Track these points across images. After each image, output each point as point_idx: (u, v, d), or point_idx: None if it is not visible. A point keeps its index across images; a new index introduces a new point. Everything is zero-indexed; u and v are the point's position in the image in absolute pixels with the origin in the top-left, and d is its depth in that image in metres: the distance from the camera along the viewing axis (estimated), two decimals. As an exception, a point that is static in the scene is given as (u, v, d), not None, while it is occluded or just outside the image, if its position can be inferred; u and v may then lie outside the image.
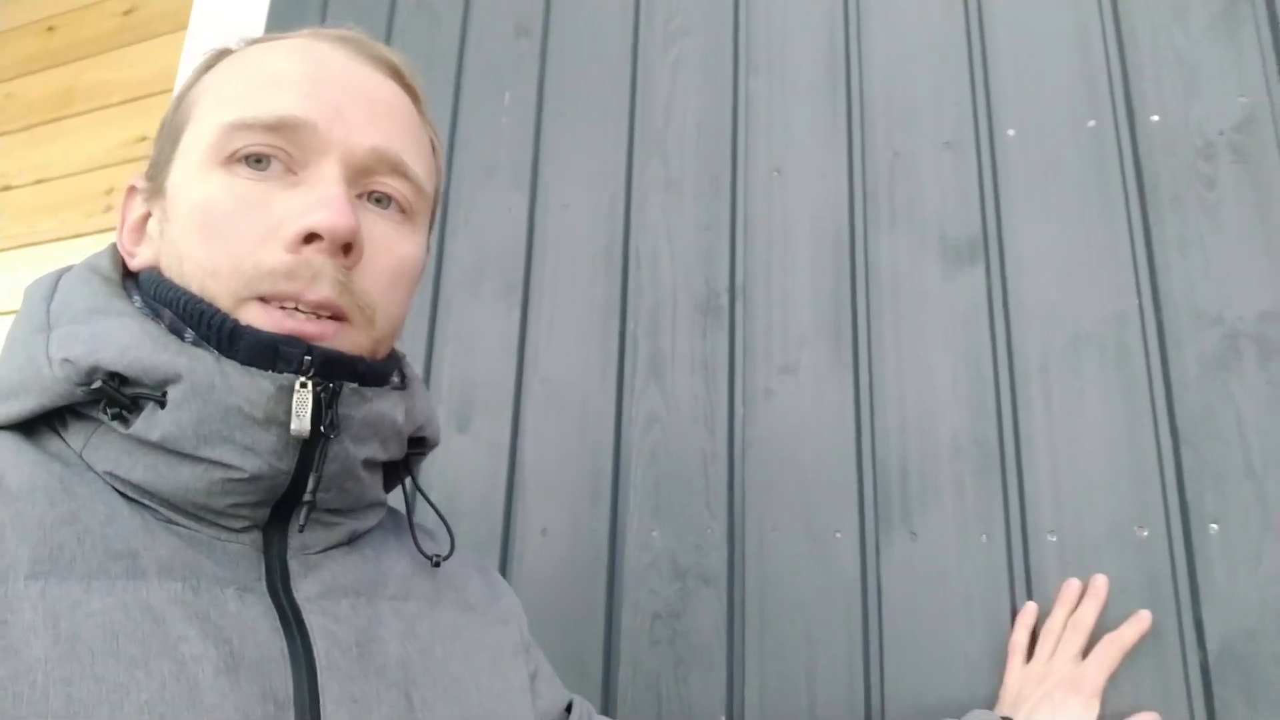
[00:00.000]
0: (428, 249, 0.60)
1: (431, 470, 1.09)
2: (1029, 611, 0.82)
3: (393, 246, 0.53)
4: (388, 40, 1.30)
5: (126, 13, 1.64)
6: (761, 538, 0.94)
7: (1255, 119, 0.88)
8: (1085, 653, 0.79)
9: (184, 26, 1.48)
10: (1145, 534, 0.82)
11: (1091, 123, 0.93)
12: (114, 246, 0.56)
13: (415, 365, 1.13)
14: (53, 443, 0.48)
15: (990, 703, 0.81)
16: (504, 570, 1.02)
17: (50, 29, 1.72)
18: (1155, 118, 0.91)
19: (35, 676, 0.37)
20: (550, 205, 1.14)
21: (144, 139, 1.52)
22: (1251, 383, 0.82)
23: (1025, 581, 0.84)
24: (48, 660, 0.38)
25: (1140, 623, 0.78)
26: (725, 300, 1.02)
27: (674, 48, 1.14)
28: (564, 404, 1.06)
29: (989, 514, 0.87)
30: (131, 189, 0.57)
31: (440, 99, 1.24)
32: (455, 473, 1.08)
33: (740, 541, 0.94)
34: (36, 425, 0.49)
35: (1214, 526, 0.80)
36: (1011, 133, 0.96)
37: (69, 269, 0.53)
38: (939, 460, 0.90)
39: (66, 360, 0.46)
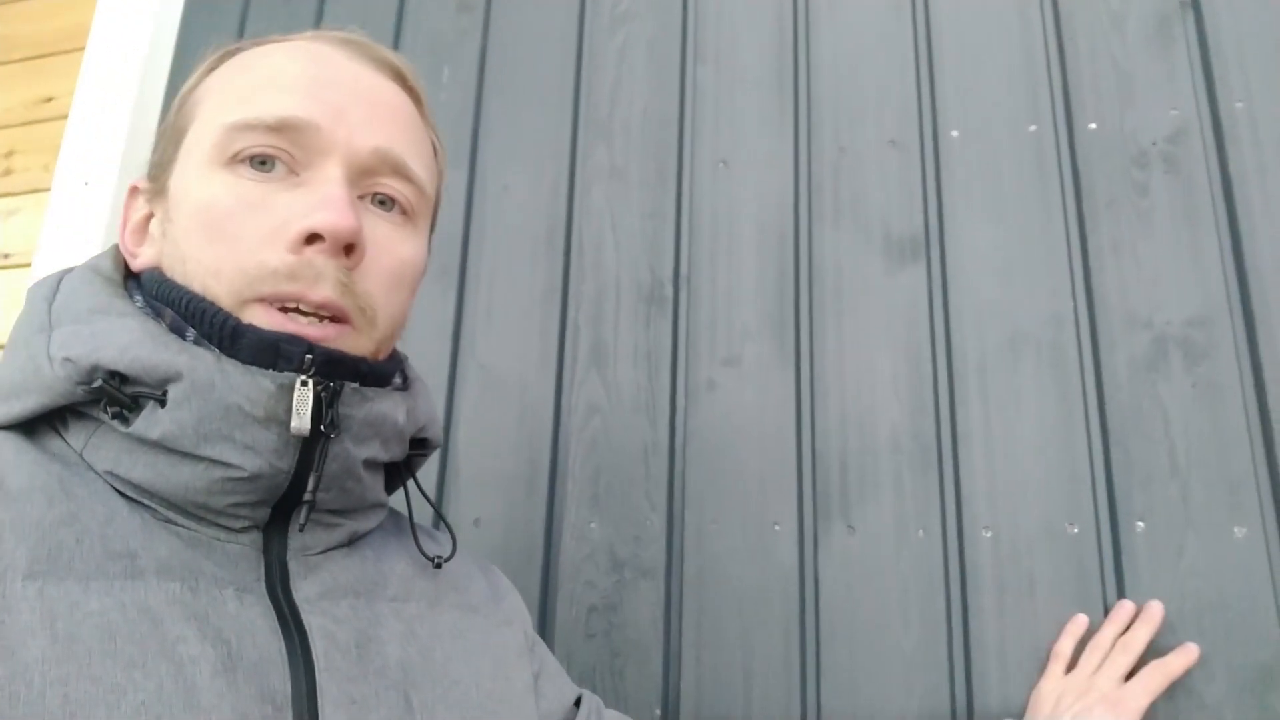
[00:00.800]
0: (429, 250, 0.61)
1: (359, 456, 1.05)
2: (1078, 623, 0.81)
3: (394, 248, 0.54)
4: (321, 9, 1.25)
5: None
6: (700, 530, 0.93)
7: (1186, 131, 0.91)
8: (1130, 675, 0.78)
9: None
10: (1075, 530, 0.84)
11: (1032, 127, 0.95)
12: (116, 247, 0.56)
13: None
14: (53, 443, 0.48)
15: (931, 696, 0.82)
16: (434, 561, 0.99)
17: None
18: (1093, 125, 0.94)
19: (32, 677, 0.37)
20: (489, 186, 1.11)
21: (50, 99, 1.42)
22: (1178, 385, 0.85)
23: (960, 576, 0.86)
24: (45, 660, 0.38)
25: (1188, 655, 0.77)
26: (669, 290, 1.01)
27: (621, 32, 1.12)
28: (501, 391, 1.03)
29: (926, 509, 0.88)
30: (134, 189, 0.57)
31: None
32: (384, 459, 1.04)
33: (679, 533, 0.94)
34: (38, 425, 0.49)
35: (1140, 524, 0.83)
36: (955, 133, 0.98)
37: (71, 270, 0.54)
38: (878, 455, 0.91)
39: (67, 359, 0.46)
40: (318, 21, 1.25)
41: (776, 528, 0.91)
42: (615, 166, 1.07)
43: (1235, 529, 0.80)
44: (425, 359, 1.06)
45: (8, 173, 1.43)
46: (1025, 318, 0.91)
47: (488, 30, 1.17)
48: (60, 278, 0.53)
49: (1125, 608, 0.81)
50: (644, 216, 1.04)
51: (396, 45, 1.20)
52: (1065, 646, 0.81)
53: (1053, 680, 0.80)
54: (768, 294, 0.98)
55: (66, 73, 1.39)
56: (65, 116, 1.35)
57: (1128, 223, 0.90)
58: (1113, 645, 0.79)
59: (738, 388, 0.96)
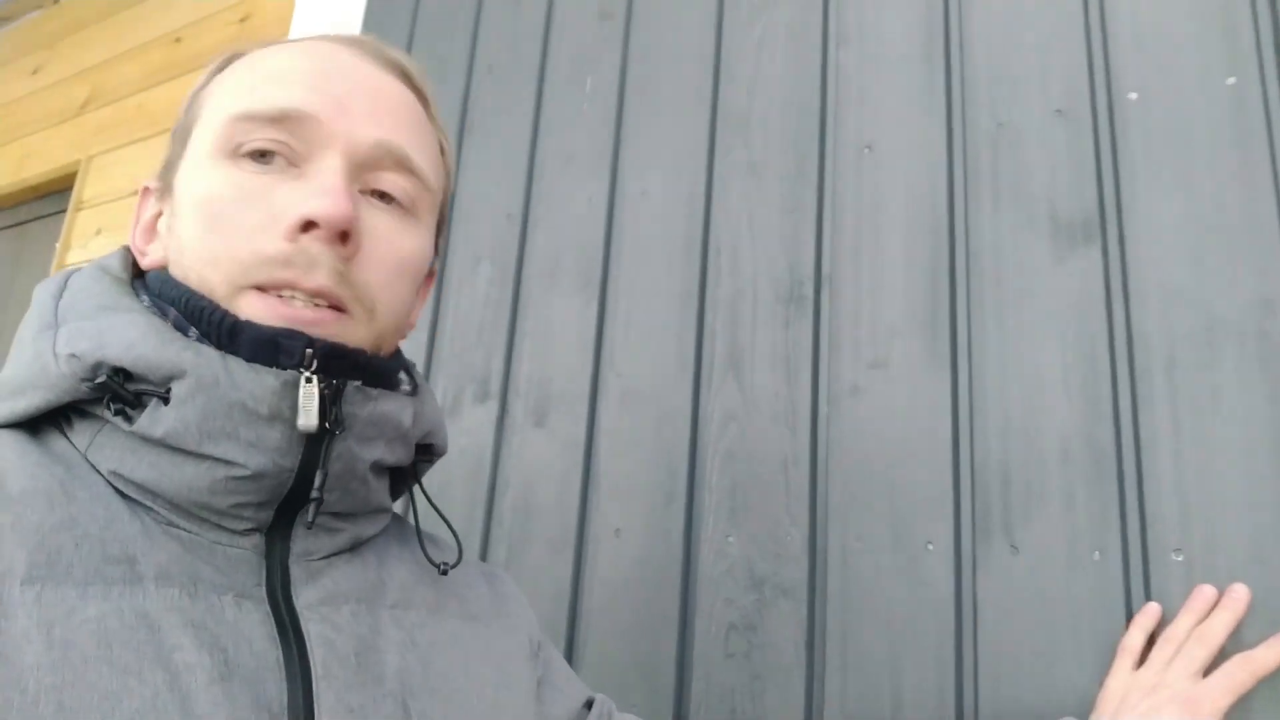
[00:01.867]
0: (436, 249, 0.60)
1: (509, 464, 1.07)
2: (1149, 614, 0.73)
3: (394, 239, 0.53)
4: (475, 33, 1.29)
5: (242, 20, 1.70)
6: (845, 548, 0.86)
7: None
8: (1209, 671, 0.68)
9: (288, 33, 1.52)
10: (1293, 555, 0.70)
11: (1231, 80, 0.81)
12: (125, 248, 0.57)
13: (496, 361, 1.11)
14: (58, 443, 0.48)
15: (1100, 742, 0.72)
16: (577, 571, 0.98)
17: (177, 40, 1.81)
18: (1311, 70, 0.78)
19: (26, 683, 0.37)
20: (629, 193, 1.10)
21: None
22: None
23: (1145, 604, 0.74)
24: (39, 667, 0.38)
25: (1275, 655, 0.67)
26: (809, 289, 0.95)
27: (759, 23, 1.07)
28: (639, 400, 1.01)
29: (1103, 527, 0.77)
30: (145, 190, 0.58)
31: (525, 89, 1.21)
32: (531, 469, 1.05)
33: (822, 551, 0.87)
34: (42, 424, 0.49)
35: (1380, 550, 0.68)
36: (1134, 96, 0.85)
37: (79, 269, 0.54)
38: (1046, 466, 0.80)
39: (73, 355, 0.46)
40: (473, 45, 1.28)
41: (930, 547, 0.83)
42: (753, 162, 1.02)
43: None
44: (568, 372, 1.06)
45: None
46: (1224, 304, 0.77)
47: (628, 36, 1.16)
48: (68, 276, 0.53)
49: (1204, 593, 0.72)
50: (783, 212, 0.99)
51: (544, 59, 1.21)
52: (1135, 640, 0.72)
53: (1120, 676, 0.71)
54: (918, 289, 0.90)
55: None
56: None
57: (1359, 183, 0.74)
58: (1188, 636, 0.70)
59: (885, 392, 0.89)
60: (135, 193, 0.59)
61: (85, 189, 1.80)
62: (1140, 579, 0.75)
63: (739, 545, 0.91)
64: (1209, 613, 0.71)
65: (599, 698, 0.70)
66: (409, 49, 1.35)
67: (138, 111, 1.80)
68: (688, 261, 1.03)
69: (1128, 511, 0.76)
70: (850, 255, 0.94)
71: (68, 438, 0.49)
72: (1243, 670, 0.67)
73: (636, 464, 0.99)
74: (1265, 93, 0.80)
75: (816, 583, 0.87)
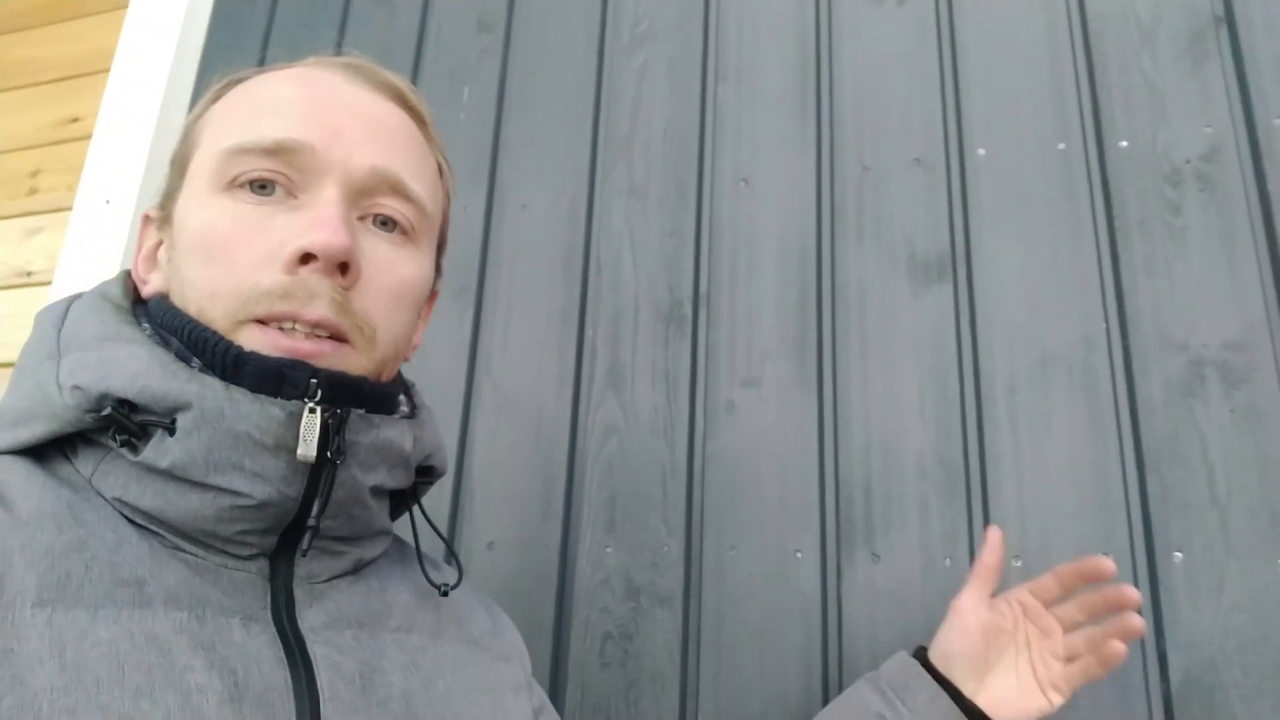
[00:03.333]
0: (438, 271, 0.61)
1: (373, 478, 1.03)
2: (995, 536, 0.74)
3: (393, 267, 0.53)
4: (341, 32, 1.25)
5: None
6: (720, 556, 0.90)
7: (1220, 149, 0.89)
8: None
9: (124, 5, 1.41)
10: (1111, 558, 0.80)
11: (1061, 145, 0.93)
12: (126, 274, 0.57)
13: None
14: (63, 468, 0.49)
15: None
16: (447, 585, 0.97)
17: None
18: (1124, 143, 0.91)
19: (40, 705, 0.37)
20: (508, 205, 1.10)
21: (76, 119, 1.44)
22: (1216, 410, 0.82)
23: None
24: (53, 689, 0.38)
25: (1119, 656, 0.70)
26: (688, 309, 0.99)
27: (641, 52, 1.11)
28: (517, 412, 1.01)
29: (954, 536, 0.85)
30: (146, 218, 0.58)
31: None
32: (398, 481, 1.02)
33: (698, 560, 0.91)
34: (47, 451, 0.49)
35: (1178, 555, 0.79)
36: (982, 152, 0.96)
37: (79, 296, 0.54)
38: (904, 480, 0.88)
39: (76, 387, 0.46)
40: (339, 44, 1.25)
41: (798, 555, 0.89)
42: (635, 185, 1.06)
43: (1279, 560, 0.77)
44: (441, 379, 1.04)
45: (33, 191, 1.44)
46: (1055, 340, 0.88)
47: (508, 50, 1.17)
48: (69, 304, 0.53)
49: (1089, 566, 0.71)
50: (664, 235, 1.03)
51: (417, 65, 1.20)
52: (993, 559, 0.73)
53: (970, 602, 0.72)
54: (789, 314, 0.96)
55: (93, 93, 1.40)
56: (88, 137, 1.36)
57: (1161, 242, 0.88)
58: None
59: (758, 409, 0.94)
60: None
61: None
62: (985, 582, 0.83)
63: (616, 555, 0.93)
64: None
65: None
66: (265, 44, 1.29)
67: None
68: (568, 277, 1.04)
69: (974, 523, 0.85)
70: (727, 280, 0.99)
71: (72, 464, 0.49)
72: (1096, 667, 0.69)
73: (512, 476, 0.99)
74: (1087, 159, 0.92)
75: (691, 591, 0.90)
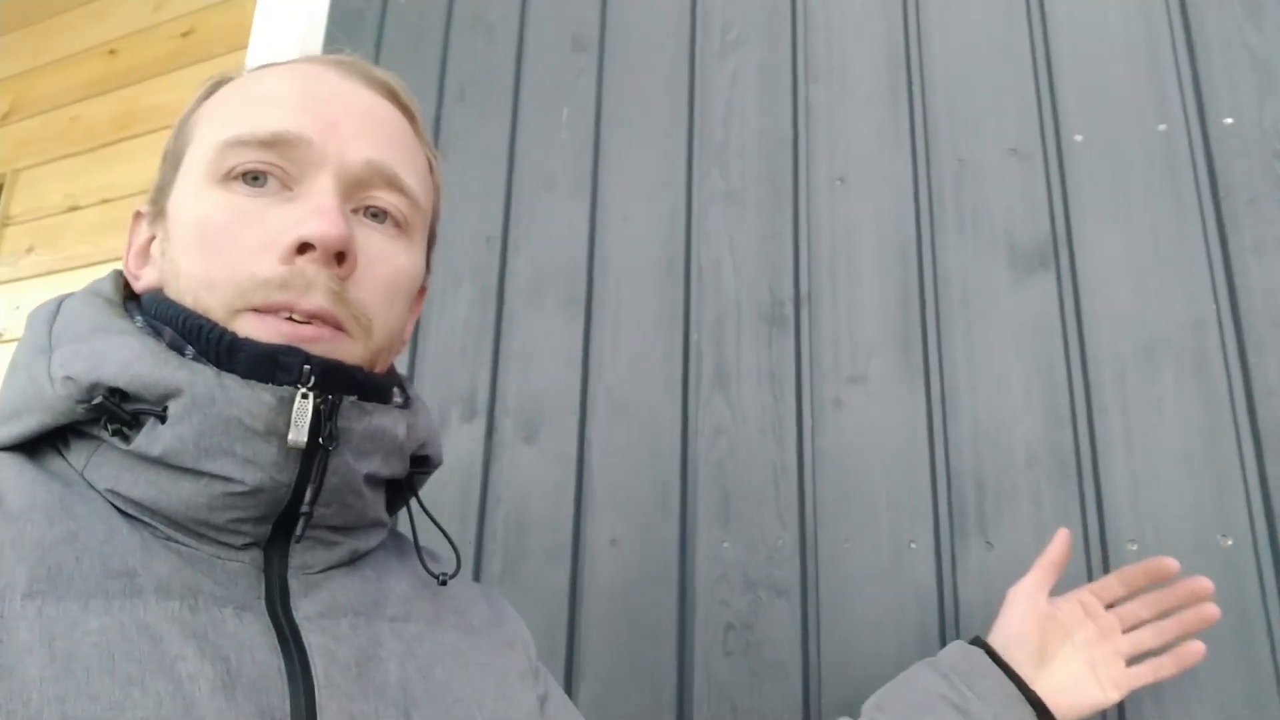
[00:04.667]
0: (428, 266, 0.62)
1: (500, 480, 1.10)
2: (1063, 537, 0.76)
3: (388, 258, 0.54)
4: (444, 58, 1.32)
5: (185, 34, 1.68)
6: (834, 549, 0.94)
7: (1334, 119, 0.87)
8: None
9: (243, 46, 1.51)
10: (1230, 543, 0.81)
11: (1162, 126, 0.92)
12: (117, 271, 0.57)
13: (481, 380, 1.15)
14: (55, 462, 0.49)
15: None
16: (574, 581, 1.03)
17: (112, 52, 1.76)
18: (1229, 120, 0.90)
19: (30, 695, 0.38)
20: (610, 217, 1.15)
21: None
22: (1337, 388, 0.81)
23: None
24: (43, 679, 0.38)
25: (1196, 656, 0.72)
26: (790, 310, 1.02)
27: (732, 58, 1.14)
28: (629, 414, 1.06)
29: (1066, 522, 0.87)
30: (137, 214, 0.58)
31: (498, 115, 1.25)
32: (523, 484, 1.09)
33: (813, 553, 0.95)
34: (39, 445, 0.50)
35: (1301, 535, 0.79)
36: (1079, 138, 0.95)
37: (71, 294, 0.54)
38: (1014, 469, 0.90)
39: (68, 378, 0.47)
40: (442, 74, 1.31)
41: (912, 545, 0.91)
42: (731, 190, 1.09)
43: None
44: (556, 386, 1.10)
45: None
46: (1163, 324, 0.88)
47: (602, 67, 1.21)
48: (61, 301, 0.53)
49: (1168, 564, 0.73)
50: (761, 238, 1.06)
51: (517, 89, 1.26)
52: (1060, 554, 0.76)
53: (1028, 595, 0.74)
54: (891, 309, 0.99)
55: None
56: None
57: (1272, 220, 0.86)
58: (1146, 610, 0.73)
59: (865, 405, 0.97)
60: (70, 209, 0.59)
61: (12, 204, 1.74)
62: (1101, 567, 0.84)
63: (733, 550, 0.97)
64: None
65: None
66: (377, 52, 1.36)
67: (70, 124, 1.74)
68: (671, 283, 1.09)
69: (1087, 507, 0.86)
70: (827, 279, 1.02)
71: (64, 458, 0.49)
72: (1169, 662, 0.71)
73: (629, 476, 1.04)
74: (1190, 139, 0.91)
75: (808, 582, 0.94)
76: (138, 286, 0.56)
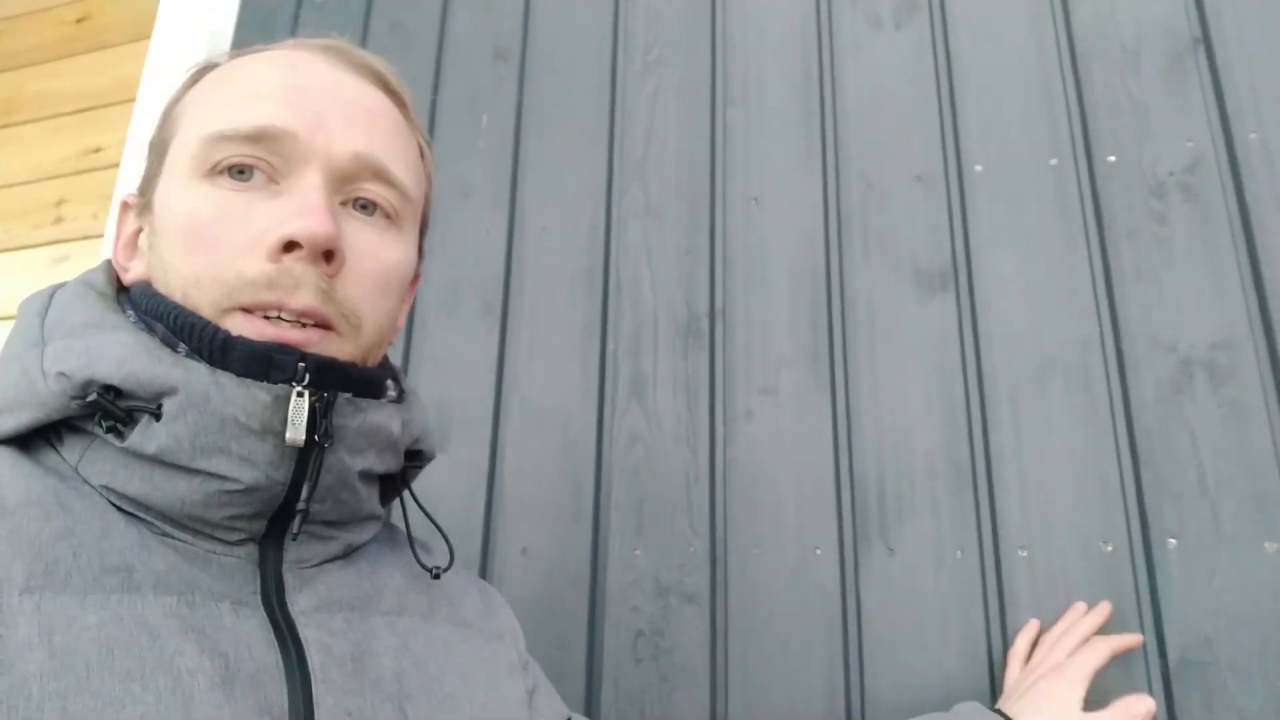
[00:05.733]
0: (420, 254, 0.61)
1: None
2: (1032, 626, 0.85)
3: (377, 253, 0.54)
4: (360, 59, 1.30)
5: (79, 20, 1.61)
6: (743, 555, 0.96)
7: (1201, 162, 0.95)
8: None
9: (145, 36, 1.45)
10: (1110, 549, 0.87)
11: (1054, 160, 0.99)
12: (109, 262, 0.56)
13: (391, 384, 1.13)
14: (48, 457, 0.48)
15: (968, 712, 0.85)
16: (484, 589, 1.02)
17: (-4, 34, 1.67)
18: (1112, 158, 0.98)
19: (30, 690, 0.37)
20: (528, 227, 1.15)
21: (99, 150, 1.49)
22: (1204, 406, 0.88)
23: (998, 595, 0.88)
24: (43, 675, 0.38)
25: (1136, 637, 0.81)
26: (705, 323, 1.05)
27: (652, 78, 1.17)
28: (544, 424, 1.06)
29: (963, 530, 0.91)
30: (124, 205, 0.57)
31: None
32: (433, 492, 1.07)
33: (723, 559, 0.96)
34: (32, 440, 0.49)
35: (1172, 541, 0.85)
36: (979, 168, 1.02)
37: (63, 285, 0.53)
38: (915, 478, 0.94)
39: (62, 374, 0.46)
40: (358, 72, 1.30)
41: (818, 551, 0.94)
42: (650, 205, 1.11)
43: (1266, 544, 0.83)
44: (470, 394, 1.10)
45: (59, 220, 1.48)
46: (1053, 344, 0.94)
47: (523, 78, 1.22)
48: (53, 292, 0.52)
49: (1077, 608, 0.84)
50: (679, 253, 1.08)
51: (436, 94, 1.25)
52: (1021, 647, 0.84)
53: (1011, 677, 0.83)
54: (801, 325, 1.02)
55: (116, 124, 1.45)
56: (116, 165, 1.41)
57: (1148, 251, 0.94)
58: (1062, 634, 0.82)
59: (775, 416, 1.00)
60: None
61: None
62: (994, 573, 0.89)
63: (645, 557, 0.98)
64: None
65: (575, 717, 0.72)
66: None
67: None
68: (589, 294, 1.10)
69: (982, 517, 0.91)
70: (741, 294, 1.05)
71: (58, 452, 0.49)
72: (1103, 644, 0.79)
73: (542, 485, 1.04)
74: (1078, 173, 0.98)
75: (718, 589, 0.96)
76: (126, 279, 0.55)
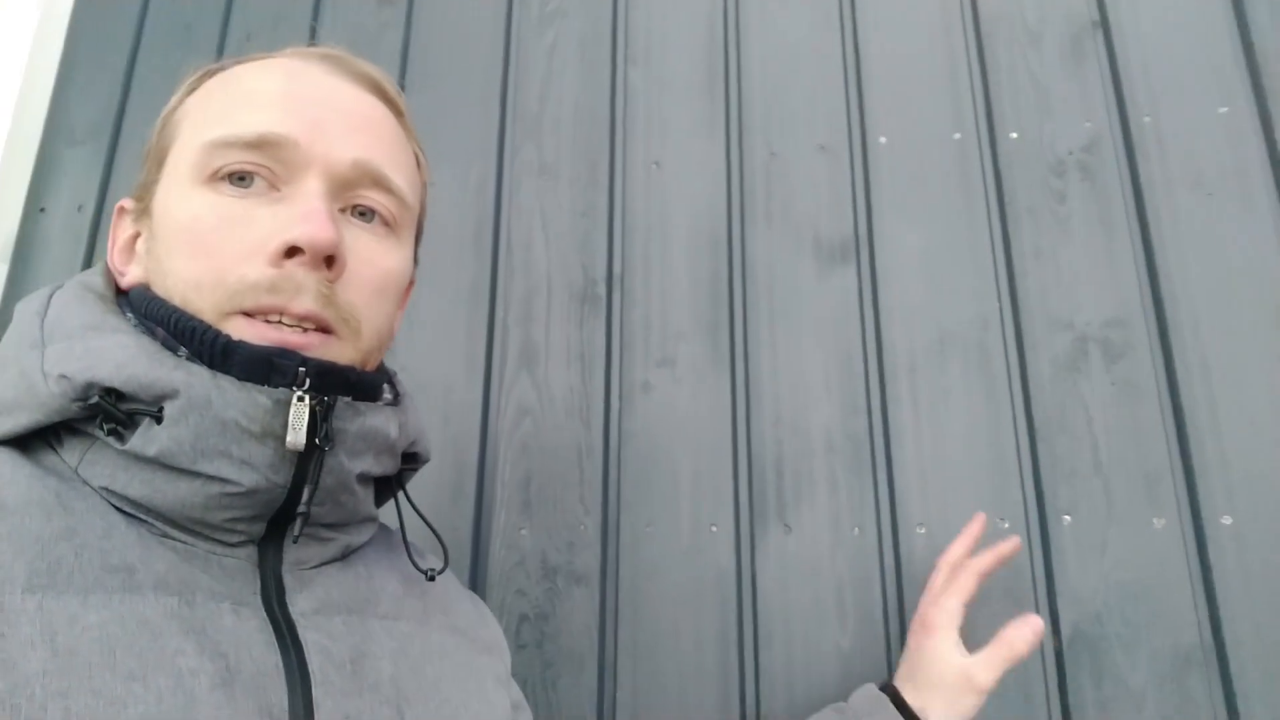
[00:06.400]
0: (415, 261, 0.62)
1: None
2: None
3: (376, 259, 0.54)
4: (229, 4, 1.19)
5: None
6: (636, 533, 0.91)
7: (1099, 142, 0.95)
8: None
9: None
10: (1006, 526, 0.86)
11: (957, 135, 0.98)
12: (106, 264, 0.56)
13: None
14: (48, 458, 0.48)
15: (864, 693, 0.82)
16: (354, 572, 0.94)
17: None
18: (1014, 134, 0.97)
19: (33, 690, 0.37)
20: (413, 184, 1.07)
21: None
22: (1098, 384, 0.88)
23: (895, 572, 0.86)
24: (45, 673, 0.38)
25: (996, 555, 0.76)
26: (603, 290, 0.99)
27: (551, 29, 1.10)
28: (425, 394, 0.99)
29: (861, 507, 0.89)
30: (121, 209, 0.57)
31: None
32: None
33: (614, 537, 0.91)
34: (32, 441, 0.49)
35: (1066, 518, 0.85)
36: (883, 140, 1.00)
37: (61, 285, 0.53)
38: (813, 455, 0.91)
39: (63, 376, 0.46)
40: (226, 18, 1.18)
41: (714, 529, 0.90)
42: (545, 164, 1.05)
43: (1154, 520, 0.84)
44: (344, 360, 1.01)
45: None
46: (952, 319, 0.93)
47: (410, 23, 1.14)
48: (51, 293, 0.53)
49: (980, 520, 0.79)
50: (576, 215, 1.03)
51: (313, 38, 1.15)
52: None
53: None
54: (701, 295, 0.98)
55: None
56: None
57: (1047, 228, 0.94)
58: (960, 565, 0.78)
59: (673, 389, 0.95)
60: None
61: None
62: (891, 550, 0.87)
63: (531, 536, 0.92)
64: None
65: None
66: (141, 21, 1.21)
67: None
68: (478, 256, 1.03)
69: (880, 493, 0.89)
70: (640, 260, 1.00)
71: (58, 454, 0.48)
72: (966, 575, 0.75)
73: (421, 458, 0.97)
74: (980, 148, 0.98)
75: (609, 569, 0.91)
76: (123, 282, 0.55)
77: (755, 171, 1.01)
